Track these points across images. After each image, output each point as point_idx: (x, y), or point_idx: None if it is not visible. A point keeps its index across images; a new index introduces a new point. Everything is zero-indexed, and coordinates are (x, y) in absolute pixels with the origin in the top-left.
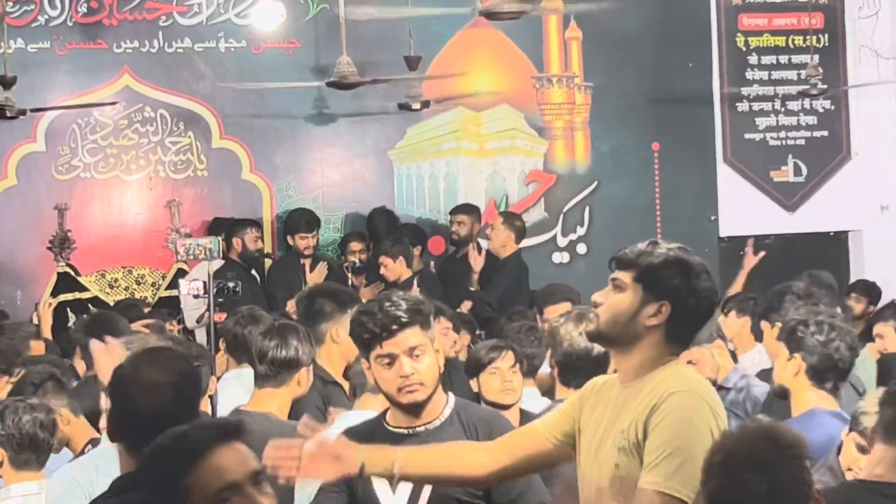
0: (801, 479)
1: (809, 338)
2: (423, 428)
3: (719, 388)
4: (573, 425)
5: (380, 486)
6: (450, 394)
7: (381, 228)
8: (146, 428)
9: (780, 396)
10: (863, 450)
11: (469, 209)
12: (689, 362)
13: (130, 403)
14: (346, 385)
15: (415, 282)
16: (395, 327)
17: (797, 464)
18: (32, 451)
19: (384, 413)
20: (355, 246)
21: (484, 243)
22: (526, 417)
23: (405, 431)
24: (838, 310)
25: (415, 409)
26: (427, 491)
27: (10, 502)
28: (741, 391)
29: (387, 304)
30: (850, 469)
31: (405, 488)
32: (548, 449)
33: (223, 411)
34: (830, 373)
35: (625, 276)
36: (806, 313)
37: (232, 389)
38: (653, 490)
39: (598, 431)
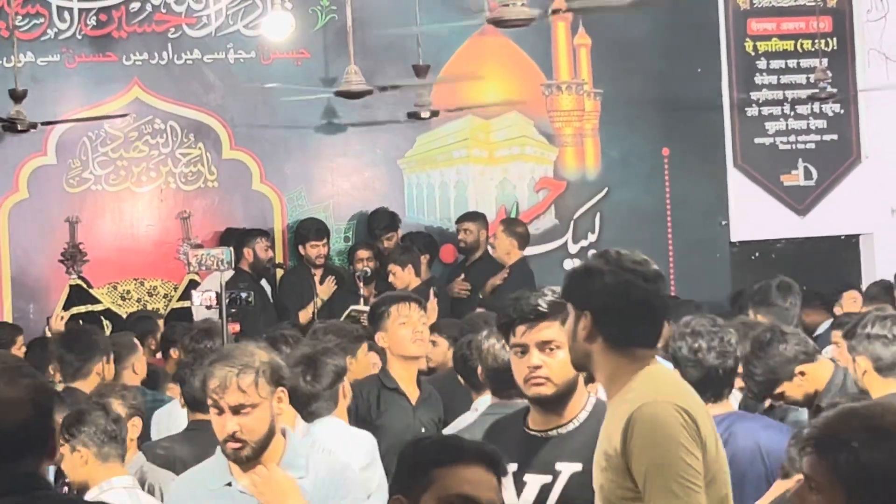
0: None
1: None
2: (555, 432)
3: None
4: None
5: (506, 483)
6: (591, 395)
7: (381, 227)
8: (8, 445)
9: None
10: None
11: (475, 216)
12: None
13: None
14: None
15: (432, 291)
16: (532, 316)
17: None
18: (114, 444)
19: (526, 411)
20: (363, 254)
21: (491, 250)
22: None
23: (539, 435)
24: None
25: (546, 407)
26: (553, 500)
27: (114, 493)
28: None
29: (533, 294)
30: None
31: (531, 492)
32: None
33: None
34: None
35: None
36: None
37: None
38: None
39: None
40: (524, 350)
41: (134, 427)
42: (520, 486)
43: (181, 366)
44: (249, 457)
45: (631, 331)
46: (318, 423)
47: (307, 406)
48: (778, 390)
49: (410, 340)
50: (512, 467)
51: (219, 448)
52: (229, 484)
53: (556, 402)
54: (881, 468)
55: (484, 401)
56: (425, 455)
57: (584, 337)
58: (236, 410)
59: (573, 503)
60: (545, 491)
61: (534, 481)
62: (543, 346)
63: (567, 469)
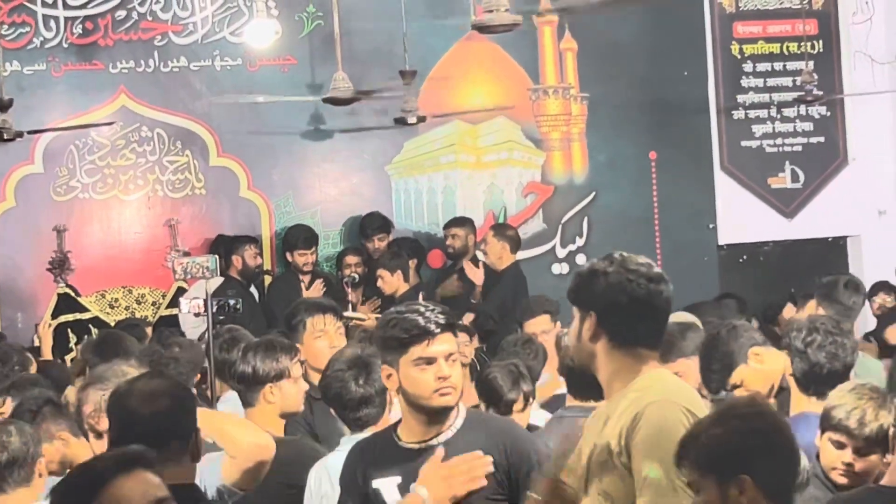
0: (734, 448)
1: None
2: (434, 441)
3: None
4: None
5: (391, 498)
6: (459, 403)
7: (374, 227)
8: (147, 438)
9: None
10: (840, 445)
11: (462, 222)
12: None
13: (130, 416)
14: None
15: (420, 295)
16: (437, 330)
17: (740, 429)
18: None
19: (394, 427)
20: (351, 260)
21: (482, 256)
22: (531, 430)
23: (417, 446)
24: None
25: (439, 417)
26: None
27: None
28: None
29: (425, 307)
30: (833, 469)
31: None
32: None
33: None
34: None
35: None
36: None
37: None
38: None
39: (583, 453)
40: (430, 362)
41: None
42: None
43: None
44: None
45: (634, 330)
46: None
47: (356, 411)
48: (734, 379)
49: (327, 356)
50: (396, 480)
51: None
52: None
53: (447, 412)
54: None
55: None
56: (73, 500)
57: (589, 337)
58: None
59: (479, 493)
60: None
61: (422, 491)
62: (448, 357)
63: None
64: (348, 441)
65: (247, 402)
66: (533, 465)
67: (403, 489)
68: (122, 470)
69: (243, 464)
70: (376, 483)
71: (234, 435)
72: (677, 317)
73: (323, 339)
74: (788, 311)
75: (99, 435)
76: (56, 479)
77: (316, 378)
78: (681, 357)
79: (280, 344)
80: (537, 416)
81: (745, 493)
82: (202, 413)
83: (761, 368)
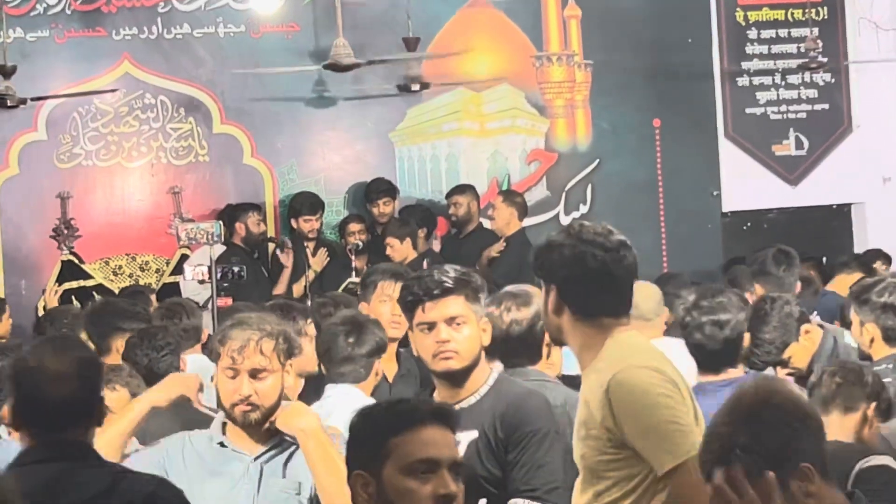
0: (784, 440)
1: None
2: (458, 406)
3: None
4: None
5: None
6: (494, 368)
7: (379, 190)
8: (53, 416)
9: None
10: None
11: (463, 189)
12: None
13: (37, 393)
14: None
15: (425, 263)
16: (437, 292)
17: (775, 426)
18: None
19: (431, 390)
20: (355, 227)
21: (487, 223)
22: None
23: None
24: None
25: (452, 380)
26: None
27: None
28: None
29: (436, 271)
30: None
31: None
32: None
33: None
34: None
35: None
36: None
37: None
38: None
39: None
40: (431, 326)
41: None
42: None
43: (129, 346)
44: (259, 420)
45: (594, 300)
46: (337, 388)
47: (339, 366)
48: (786, 354)
49: (388, 321)
50: None
51: (218, 415)
52: (222, 444)
53: (461, 377)
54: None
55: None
56: (379, 425)
57: (553, 310)
58: (254, 374)
59: (475, 468)
60: None
61: None
62: (450, 321)
63: (466, 437)
64: (331, 387)
65: None
66: (524, 436)
67: None
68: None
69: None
70: None
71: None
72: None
73: (387, 304)
74: None
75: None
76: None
77: None
78: (639, 318)
79: (295, 305)
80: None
81: (811, 481)
82: (314, 444)
83: (808, 345)
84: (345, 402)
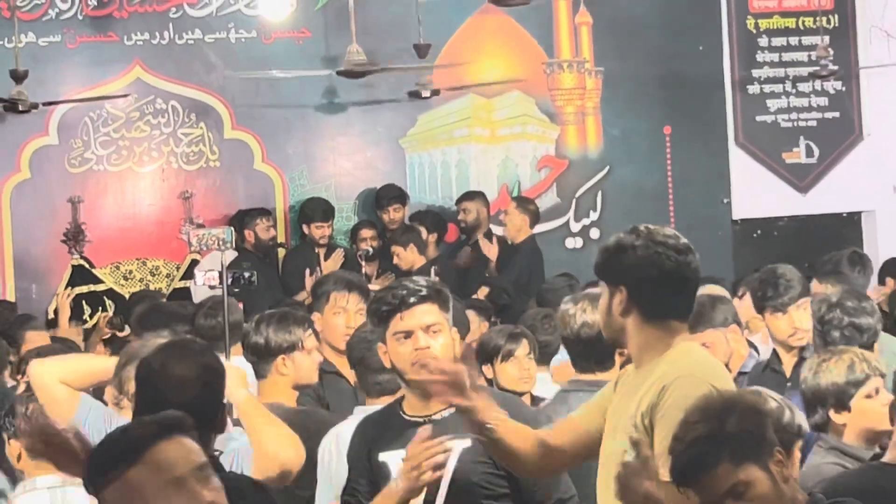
0: (755, 430)
1: None
2: (438, 416)
3: (740, 373)
4: (604, 415)
5: (397, 471)
6: None
7: (390, 197)
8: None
9: None
10: None
11: (473, 196)
12: (703, 345)
13: (160, 398)
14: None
15: (433, 270)
16: (412, 300)
17: (750, 415)
18: None
19: (399, 400)
20: (366, 233)
21: (497, 229)
22: (537, 403)
23: (421, 420)
24: None
25: (426, 391)
26: (448, 477)
27: (35, 495)
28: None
29: (406, 281)
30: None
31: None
32: (585, 441)
33: None
34: None
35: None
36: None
37: None
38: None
39: (612, 420)
40: (408, 335)
41: None
42: None
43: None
44: None
45: (666, 303)
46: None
47: (377, 375)
48: None
49: (342, 334)
50: (401, 454)
51: None
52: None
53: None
54: None
55: None
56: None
57: (620, 311)
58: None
59: (469, 475)
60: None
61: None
62: (427, 329)
63: (458, 446)
64: (362, 411)
65: (259, 374)
66: None
67: None
68: (163, 434)
69: (262, 473)
70: (383, 456)
71: (263, 442)
72: (707, 289)
73: (340, 316)
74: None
75: None
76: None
77: (328, 352)
78: (709, 328)
79: (293, 315)
80: (552, 389)
81: (785, 465)
82: (244, 408)
83: None
84: None
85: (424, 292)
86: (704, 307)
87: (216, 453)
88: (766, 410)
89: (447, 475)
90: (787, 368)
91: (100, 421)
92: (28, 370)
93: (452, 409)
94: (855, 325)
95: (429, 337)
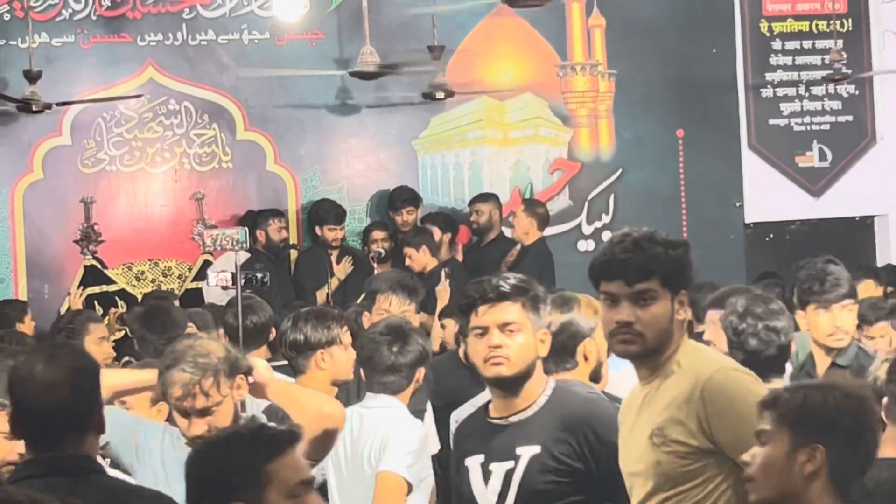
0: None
1: None
2: (515, 418)
3: None
4: None
5: (475, 476)
6: (549, 380)
7: (403, 199)
8: (46, 427)
9: None
10: None
11: (486, 197)
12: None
13: (31, 403)
14: None
15: (443, 272)
16: (492, 296)
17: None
18: None
19: (487, 402)
20: (378, 235)
21: (507, 232)
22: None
23: (500, 422)
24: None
25: (504, 389)
26: (516, 484)
27: None
28: None
29: (496, 276)
30: None
31: (497, 481)
32: None
33: None
34: None
35: (651, 285)
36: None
37: None
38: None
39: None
40: (484, 331)
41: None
42: (487, 475)
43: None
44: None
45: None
46: (378, 399)
47: (382, 376)
48: None
49: None
50: (479, 458)
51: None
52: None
53: (513, 385)
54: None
55: None
56: (251, 455)
57: (686, 317)
58: (203, 413)
59: (534, 484)
60: (509, 476)
61: (498, 469)
62: (503, 327)
63: (527, 452)
64: (372, 397)
65: (298, 370)
66: (616, 454)
67: (485, 468)
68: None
69: (310, 433)
70: (468, 461)
71: (302, 402)
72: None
73: (383, 318)
74: None
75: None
76: None
77: None
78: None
79: (331, 313)
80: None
81: (813, 463)
82: (275, 385)
83: None
84: (387, 415)
85: (506, 289)
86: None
87: (100, 457)
88: (859, 418)
89: (515, 482)
90: (821, 371)
91: (128, 434)
92: None
93: (527, 413)
94: (769, 327)
95: (504, 336)
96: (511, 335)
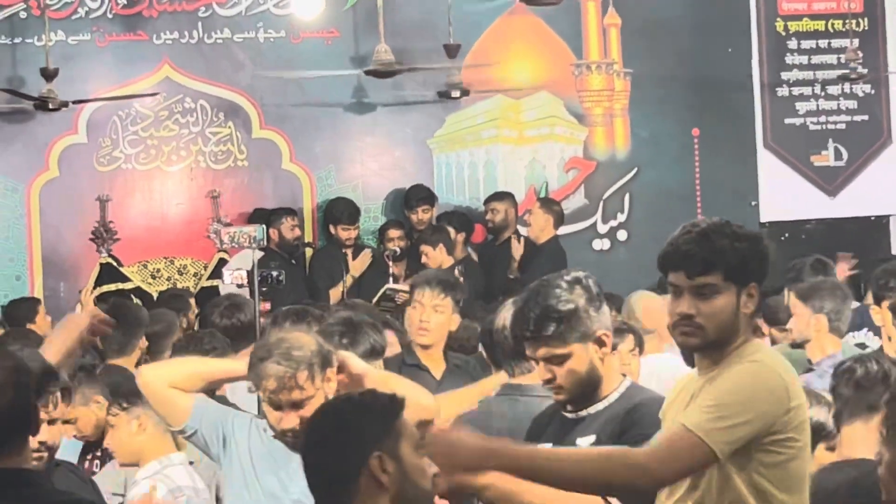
0: None
1: None
2: (585, 412)
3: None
4: None
5: None
6: (625, 378)
7: (419, 198)
8: None
9: None
10: None
11: (502, 196)
12: None
13: None
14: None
15: (457, 270)
16: (531, 336)
17: None
18: None
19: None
20: (393, 233)
21: (522, 230)
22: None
23: (572, 417)
24: None
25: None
26: None
27: (175, 470)
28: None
29: (541, 308)
30: None
31: None
32: None
33: None
34: None
35: (712, 279)
36: None
37: None
38: (683, 426)
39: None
40: (538, 362)
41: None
42: None
43: (176, 350)
44: None
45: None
46: None
47: None
48: None
49: (416, 327)
50: (548, 447)
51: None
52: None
53: (579, 401)
54: None
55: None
56: (383, 411)
57: (754, 311)
58: (296, 406)
59: None
60: None
61: None
62: (552, 360)
63: (584, 442)
64: None
65: None
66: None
67: None
68: (402, 407)
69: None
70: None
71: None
72: None
73: (417, 310)
74: None
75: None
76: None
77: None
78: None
79: (311, 311)
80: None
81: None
82: (373, 375)
83: None
84: None
85: (548, 332)
86: None
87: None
88: None
89: None
90: None
91: (219, 425)
92: (137, 377)
93: (602, 405)
94: None
95: (554, 366)
96: (560, 366)
